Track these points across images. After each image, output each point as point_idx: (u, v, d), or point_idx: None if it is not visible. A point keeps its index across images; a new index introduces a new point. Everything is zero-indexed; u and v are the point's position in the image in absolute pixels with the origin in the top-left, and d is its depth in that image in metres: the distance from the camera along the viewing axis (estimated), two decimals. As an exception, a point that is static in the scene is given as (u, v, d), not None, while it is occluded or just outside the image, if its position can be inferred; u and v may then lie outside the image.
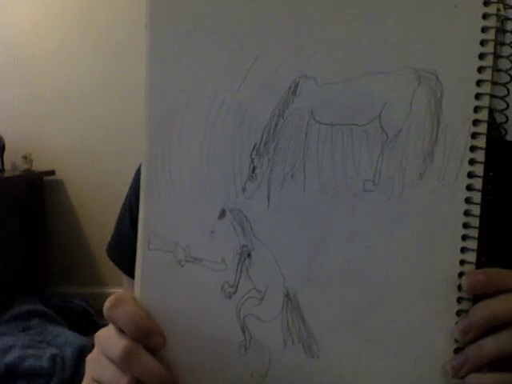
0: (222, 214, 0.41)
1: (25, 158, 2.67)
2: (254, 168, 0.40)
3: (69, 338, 2.01)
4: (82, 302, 2.49)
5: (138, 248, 0.42)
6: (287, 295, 0.41)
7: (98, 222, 2.69)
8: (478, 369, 0.38)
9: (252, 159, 0.40)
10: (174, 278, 0.42)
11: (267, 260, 0.41)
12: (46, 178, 2.74)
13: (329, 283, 0.41)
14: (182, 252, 0.41)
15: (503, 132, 0.40)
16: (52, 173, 2.74)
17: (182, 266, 0.42)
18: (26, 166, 2.66)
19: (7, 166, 2.67)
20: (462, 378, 0.39)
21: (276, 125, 0.40)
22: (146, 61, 0.41)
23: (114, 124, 2.60)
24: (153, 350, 0.41)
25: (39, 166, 2.72)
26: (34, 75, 2.76)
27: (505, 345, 0.37)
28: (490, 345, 0.38)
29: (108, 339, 0.42)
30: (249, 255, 0.41)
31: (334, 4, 0.39)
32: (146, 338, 0.41)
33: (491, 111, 0.39)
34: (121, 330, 0.41)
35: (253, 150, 0.40)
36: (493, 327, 0.38)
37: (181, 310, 0.42)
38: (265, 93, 0.40)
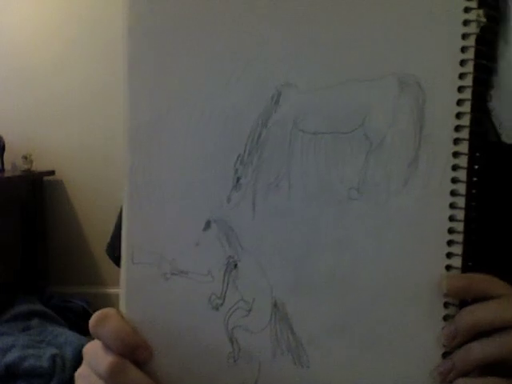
0: (207, 225, 0.41)
1: (25, 158, 2.67)
2: (238, 178, 0.40)
3: (69, 338, 2.01)
4: (82, 302, 2.50)
5: (122, 261, 0.42)
6: (275, 305, 0.41)
7: (97, 222, 2.69)
8: (465, 374, 0.38)
9: (236, 169, 0.40)
10: (159, 292, 0.42)
11: (254, 270, 0.41)
12: (45, 178, 2.74)
13: (316, 292, 0.40)
14: (167, 265, 0.41)
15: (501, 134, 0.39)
16: (52, 173, 2.74)
17: (168, 278, 0.41)
18: (26, 166, 2.66)
19: (7, 166, 2.67)
20: (451, 383, 0.39)
21: (259, 134, 0.40)
22: (124, 68, 0.40)
23: (114, 124, 2.60)
24: (140, 364, 0.41)
25: (39, 165, 2.72)
26: (34, 76, 2.76)
27: (491, 350, 0.37)
28: (477, 350, 0.38)
29: (95, 354, 0.41)
30: (235, 266, 0.41)
31: (317, 12, 0.39)
32: (133, 353, 0.41)
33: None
34: (107, 346, 0.41)
35: (237, 160, 0.40)
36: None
37: (168, 323, 0.42)
38: (247, 102, 0.40)
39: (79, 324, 2.33)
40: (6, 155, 2.65)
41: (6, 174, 2.61)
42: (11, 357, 1.85)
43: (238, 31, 0.39)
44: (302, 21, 0.39)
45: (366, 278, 0.40)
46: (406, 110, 0.39)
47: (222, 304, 0.41)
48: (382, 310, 0.40)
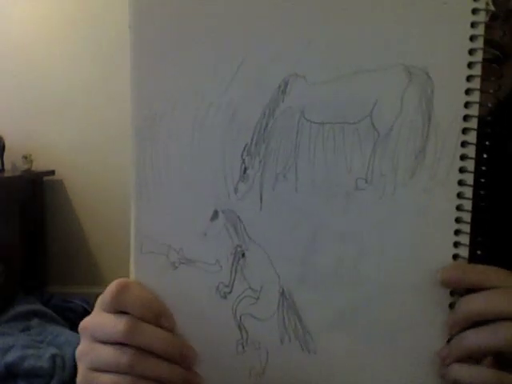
0: (215, 215, 0.41)
1: (25, 158, 2.66)
2: (245, 169, 0.40)
3: (69, 338, 2.01)
4: (82, 302, 2.49)
5: (132, 252, 0.42)
6: (282, 293, 0.41)
7: (97, 222, 2.69)
8: (460, 360, 0.39)
9: (243, 160, 0.40)
10: (168, 281, 0.42)
11: (261, 260, 0.41)
12: (45, 178, 2.73)
13: (323, 282, 0.41)
14: (176, 254, 0.42)
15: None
16: (52, 173, 2.73)
17: (176, 268, 0.42)
18: (26, 166, 2.65)
19: (7, 166, 2.67)
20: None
21: (266, 124, 0.40)
22: (131, 63, 0.41)
23: (115, 124, 2.60)
24: None
25: (39, 166, 2.72)
26: (35, 76, 2.76)
27: (483, 340, 0.38)
28: (469, 338, 0.38)
29: (102, 324, 0.41)
30: (243, 255, 0.41)
31: (323, 2, 0.39)
32: (157, 320, 0.41)
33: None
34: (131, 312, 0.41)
35: (244, 150, 0.40)
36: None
37: (176, 311, 0.42)
38: (254, 92, 0.40)
39: (79, 324, 2.32)
40: (5, 155, 2.65)
41: (6, 174, 2.61)
42: (11, 357, 1.84)
43: (247, 22, 0.40)
44: (310, 12, 0.39)
45: (373, 269, 0.40)
46: (415, 100, 0.39)
47: (229, 292, 0.41)
48: (388, 299, 0.40)
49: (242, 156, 0.40)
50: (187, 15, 0.40)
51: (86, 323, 0.43)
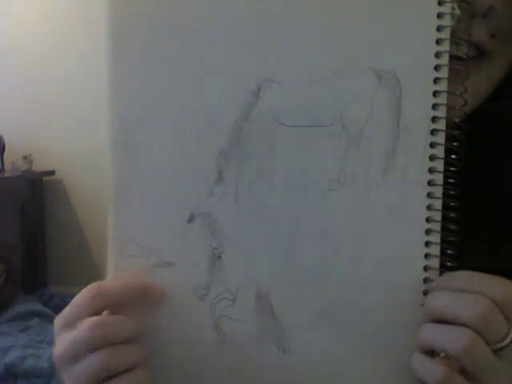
0: (192, 218, 0.41)
1: (25, 158, 2.67)
2: (221, 171, 0.41)
3: (69, 338, 2.01)
4: (81, 301, 2.49)
5: (110, 255, 0.43)
6: (259, 295, 0.41)
7: (97, 222, 2.70)
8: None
9: (218, 163, 0.41)
10: None
11: (238, 262, 0.41)
12: (45, 178, 2.75)
13: (300, 282, 0.41)
14: (154, 257, 0.42)
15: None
16: (52, 173, 2.74)
17: (154, 270, 0.42)
18: (26, 166, 2.67)
19: (7, 166, 2.68)
20: None
21: (241, 128, 0.40)
22: (107, 68, 0.41)
23: (114, 124, 2.60)
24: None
25: (39, 166, 2.73)
26: (34, 76, 2.77)
27: (437, 338, 0.38)
28: (425, 332, 0.39)
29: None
30: (219, 257, 0.41)
31: (295, 7, 0.39)
32: (145, 295, 0.41)
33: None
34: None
35: (219, 153, 0.41)
36: None
37: (155, 313, 0.42)
38: (229, 96, 0.40)
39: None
40: (5, 155, 2.66)
41: (6, 174, 2.62)
42: (11, 357, 1.85)
43: (222, 26, 0.40)
44: (281, 19, 0.40)
45: (349, 268, 0.41)
46: (384, 102, 0.39)
47: (207, 294, 0.42)
48: (364, 299, 0.41)
49: (217, 159, 0.41)
50: (162, 21, 0.41)
51: (59, 353, 0.41)
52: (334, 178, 0.40)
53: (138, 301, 0.41)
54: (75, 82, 2.74)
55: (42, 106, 2.78)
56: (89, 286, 0.41)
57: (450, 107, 0.39)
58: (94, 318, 0.39)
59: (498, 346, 0.36)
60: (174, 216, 0.42)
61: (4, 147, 2.65)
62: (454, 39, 0.39)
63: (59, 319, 0.42)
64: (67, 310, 0.41)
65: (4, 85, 2.79)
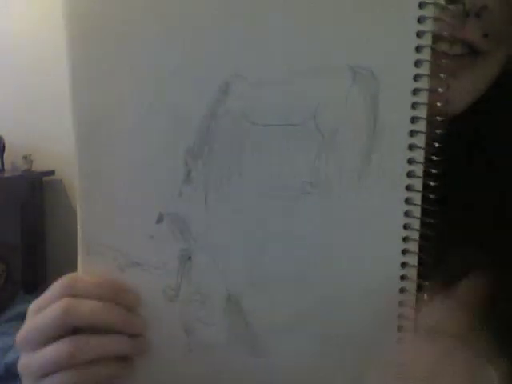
0: (160, 218, 0.40)
1: (25, 158, 2.67)
2: (189, 171, 0.39)
3: (68, 338, 2.01)
4: (81, 301, 2.49)
5: (79, 255, 0.42)
6: (229, 298, 0.41)
7: (97, 221, 2.70)
8: None
9: (186, 162, 0.39)
10: None
11: (207, 264, 0.40)
12: (45, 178, 2.74)
13: (271, 285, 0.40)
14: (123, 257, 0.41)
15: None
16: (52, 173, 2.74)
17: (123, 271, 0.41)
18: (26, 166, 2.66)
19: (7, 166, 2.67)
20: None
21: (208, 126, 0.39)
22: (67, 66, 0.40)
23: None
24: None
25: (39, 166, 2.72)
26: (34, 76, 2.77)
27: None
28: None
29: (39, 322, 0.41)
30: (189, 258, 0.41)
31: (267, 3, 0.38)
32: (118, 296, 0.41)
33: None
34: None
35: (186, 152, 0.39)
36: None
37: None
38: (195, 93, 0.38)
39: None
40: (5, 155, 2.66)
41: (6, 174, 2.61)
42: (11, 357, 1.85)
43: (185, 23, 0.38)
44: (251, 13, 0.38)
45: (321, 273, 0.40)
46: (359, 101, 0.37)
47: (176, 296, 0.41)
48: (336, 304, 0.40)
49: (185, 158, 0.39)
50: (123, 18, 0.39)
51: (21, 334, 0.42)
52: (306, 180, 0.38)
53: (109, 299, 0.40)
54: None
55: (41, 106, 2.77)
56: (62, 277, 0.41)
57: (431, 106, 0.37)
58: (62, 303, 0.39)
59: None
60: (142, 216, 0.41)
61: (4, 147, 2.65)
62: (440, 35, 0.37)
63: (32, 305, 0.42)
64: (40, 298, 0.41)
65: (4, 85, 2.79)
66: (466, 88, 0.43)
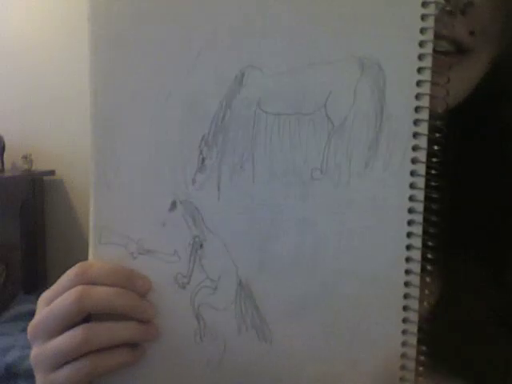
0: (173, 205, 0.41)
1: (25, 157, 2.67)
2: (203, 159, 0.40)
3: (68, 338, 2.01)
4: (81, 301, 2.49)
5: (90, 242, 0.43)
6: (240, 284, 0.41)
7: (97, 221, 2.70)
8: None
9: (201, 150, 0.40)
10: None
11: (219, 250, 0.41)
12: (45, 178, 2.74)
13: (280, 271, 0.41)
14: (134, 245, 0.42)
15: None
16: (52, 173, 2.74)
17: (135, 258, 0.42)
18: (25, 166, 2.66)
19: (7, 166, 2.68)
20: None
21: (224, 115, 0.40)
22: (90, 53, 0.41)
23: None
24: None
25: (39, 166, 2.73)
26: (34, 76, 2.77)
27: None
28: None
29: (51, 311, 0.41)
30: (201, 246, 0.41)
31: None
32: (132, 283, 0.41)
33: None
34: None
35: (201, 140, 0.40)
36: None
37: None
38: (212, 83, 0.40)
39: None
40: (5, 155, 2.66)
41: (6, 174, 2.61)
42: (11, 357, 1.85)
43: (201, 15, 0.40)
44: (264, 4, 0.39)
45: (329, 257, 0.41)
46: (367, 92, 0.39)
47: (188, 282, 0.42)
48: (344, 289, 0.41)
49: (199, 147, 0.40)
50: (144, 8, 0.41)
51: (32, 325, 0.42)
52: (316, 167, 0.40)
53: (122, 286, 0.41)
54: (76, 82, 2.74)
55: (42, 105, 2.78)
56: (75, 265, 0.41)
57: (433, 97, 0.39)
58: (76, 290, 0.40)
59: None
60: (155, 203, 0.41)
61: (4, 147, 2.65)
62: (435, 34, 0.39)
63: (42, 296, 0.42)
64: (51, 288, 0.42)
65: (4, 85, 2.79)
66: (454, 87, 0.44)
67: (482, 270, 0.49)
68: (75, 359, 0.40)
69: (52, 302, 0.41)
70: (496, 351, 0.40)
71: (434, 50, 0.38)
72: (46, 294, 0.42)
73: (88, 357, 0.40)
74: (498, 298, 0.47)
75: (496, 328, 0.40)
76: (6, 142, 2.65)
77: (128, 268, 0.42)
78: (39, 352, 0.41)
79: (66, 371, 0.40)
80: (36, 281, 2.66)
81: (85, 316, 0.41)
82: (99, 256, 0.43)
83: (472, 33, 0.43)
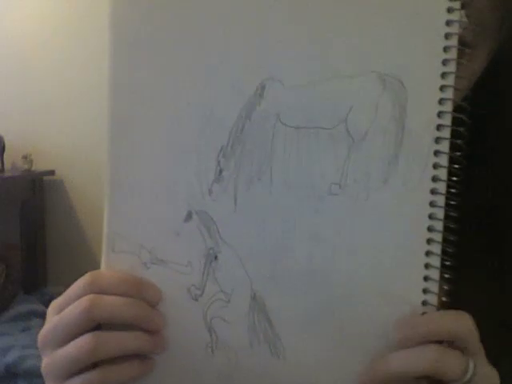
0: (189, 216, 0.41)
1: (25, 157, 2.66)
2: (220, 170, 0.40)
3: (68, 338, 2.01)
4: (81, 301, 2.48)
5: (103, 250, 0.42)
6: (253, 297, 0.41)
7: (97, 222, 2.68)
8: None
9: (219, 161, 0.40)
10: None
11: (234, 262, 0.41)
12: (45, 177, 2.73)
13: (293, 285, 0.41)
14: (148, 254, 0.41)
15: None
16: (52, 173, 2.73)
17: (148, 268, 0.42)
18: (25, 166, 2.66)
19: (7, 166, 2.67)
20: None
21: (243, 127, 0.40)
22: (108, 60, 0.41)
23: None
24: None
25: (39, 166, 2.72)
26: (34, 76, 2.76)
27: (409, 362, 0.38)
28: (394, 362, 0.38)
29: (62, 320, 0.40)
30: (215, 258, 0.41)
31: (302, 8, 0.39)
32: (142, 292, 0.41)
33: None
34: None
35: (220, 152, 0.40)
36: None
37: None
38: (231, 94, 0.40)
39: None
40: (5, 155, 2.65)
41: (6, 174, 2.61)
42: (11, 357, 1.84)
43: (225, 23, 0.40)
44: (287, 17, 0.39)
45: (343, 273, 0.40)
46: (388, 108, 0.39)
47: (201, 295, 0.41)
48: (357, 305, 0.40)
49: (217, 158, 0.40)
50: (162, 19, 0.40)
51: (42, 334, 0.41)
52: (335, 182, 0.39)
53: (132, 295, 0.41)
54: (76, 82, 2.74)
55: (42, 106, 2.77)
56: (86, 274, 0.41)
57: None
58: (86, 299, 0.39)
59: (465, 379, 0.37)
60: (170, 213, 0.41)
61: (4, 147, 2.64)
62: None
63: (52, 304, 0.42)
64: (61, 297, 0.41)
65: (4, 85, 2.78)
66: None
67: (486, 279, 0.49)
68: (86, 370, 0.40)
69: (62, 311, 0.40)
70: (499, 355, 0.39)
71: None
72: (56, 302, 0.42)
73: (98, 368, 0.40)
74: (499, 301, 0.48)
75: (497, 330, 0.39)
76: (6, 142, 2.64)
77: (139, 277, 0.41)
78: (49, 362, 0.41)
79: (75, 382, 0.40)
80: (36, 281, 2.66)
81: (95, 326, 0.40)
82: (112, 264, 0.42)
83: (472, 28, 0.42)
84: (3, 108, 2.77)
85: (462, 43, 0.42)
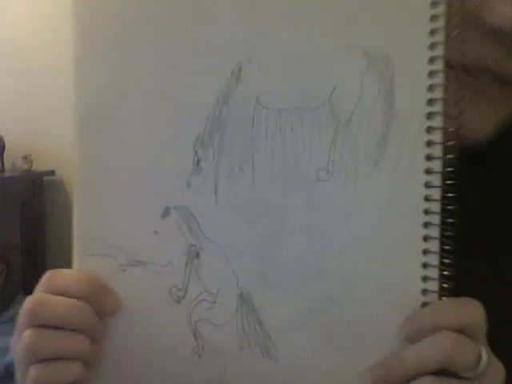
0: (166, 212, 0.38)
1: (25, 158, 2.65)
2: (198, 161, 0.37)
3: (68, 339, 2.00)
4: (81, 302, 2.48)
5: (74, 254, 0.39)
6: (241, 296, 0.38)
7: (98, 221, 2.68)
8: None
9: (196, 151, 0.37)
10: (116, 285, 0.39)
11: (218, 259, 0.38)
12: (45, 178, 2.72)
13: (285, 281, 0.38)
14: (124, 256, 0.39)
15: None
16: (52, 173, 2.72)
17: (125, 270, 0.39)
18: (25, 166, 2.64)
19: (7, 166, 2.66)
20: None
21: (220, 113, 0.37)
22: (73, 50, 0.38)
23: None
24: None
25: (39, 166, 2.71)
26: (35, 76, 2.75)
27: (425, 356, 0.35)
28: (410, 359, 0.36)
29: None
30: (197, 255, 0.38)
31: None
32: (99, 298, 0.38)
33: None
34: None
35: (196, 140, 0.37)
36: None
37: (126, 318, 0.39)
38: (206, 79, 0.37)
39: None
40: (5, 155, 2.64)
41: (6, 174, 2.60)
42: (11, 357, 1.82)
43: (196, 4, 0.37)
44: None
45: (337, 266, 0.37)
46: (375, 86, 0.35)
47: (183, 296, 0.38)
48: (353, 300, 0.37)
49: (194, 147, 0.37)
50: (133, 1, 0.38)
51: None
52: (322, 167, 0.36)
53: (88, 298, 0.38)
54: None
55: (42, 106, 2.76)
56: (46, 272, 0.39)
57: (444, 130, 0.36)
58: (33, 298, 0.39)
59: (479, 369, 0.35)
60: (147, 210, 0.38)
61: (4, 147, 2.63)
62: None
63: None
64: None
65: (4, 85, 2.77)
66: (487, 117, 0.41)
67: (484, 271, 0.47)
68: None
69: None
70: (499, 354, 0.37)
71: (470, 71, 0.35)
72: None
73: (36, 364, 0.39)
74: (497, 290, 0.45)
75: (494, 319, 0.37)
76: (6, 142, 2.64)
77: (103, 282, 0.39)
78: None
79: (18, 375, 0.41)
80: (36, 281, 2.63)
81: None
82: (85, 269, 0.39)
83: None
84: (3, 108, 2.76)
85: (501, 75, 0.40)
